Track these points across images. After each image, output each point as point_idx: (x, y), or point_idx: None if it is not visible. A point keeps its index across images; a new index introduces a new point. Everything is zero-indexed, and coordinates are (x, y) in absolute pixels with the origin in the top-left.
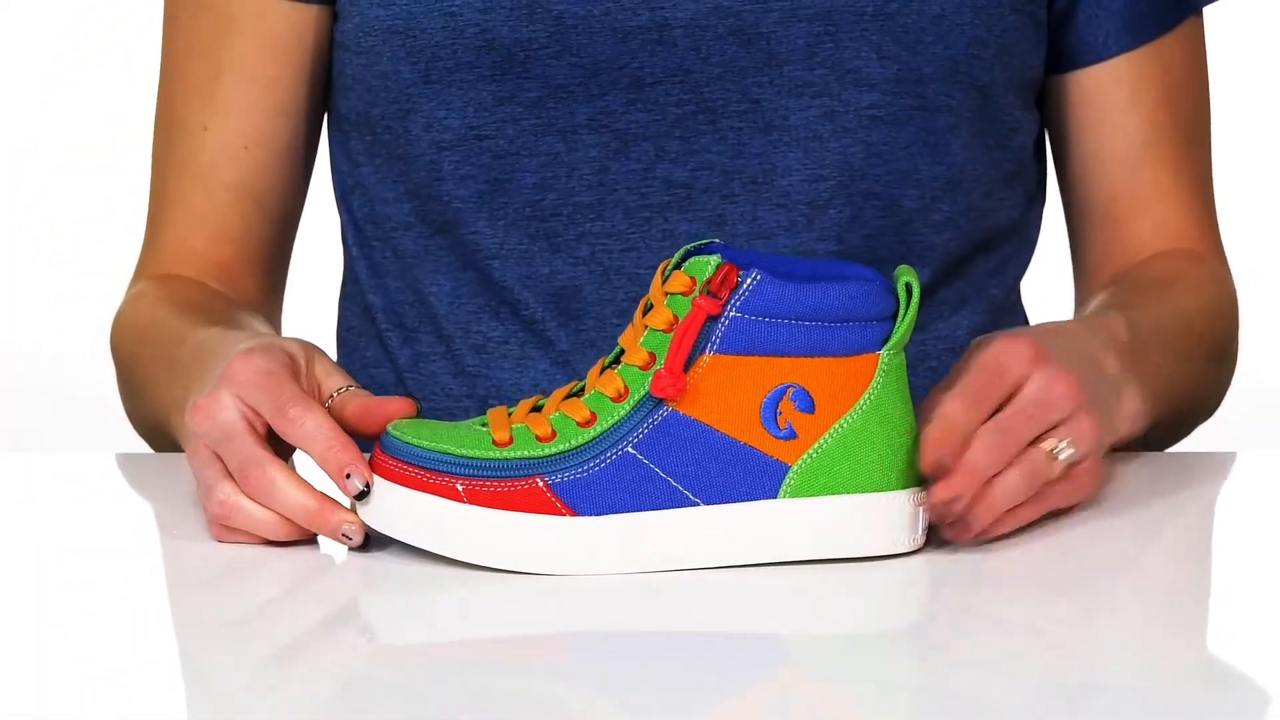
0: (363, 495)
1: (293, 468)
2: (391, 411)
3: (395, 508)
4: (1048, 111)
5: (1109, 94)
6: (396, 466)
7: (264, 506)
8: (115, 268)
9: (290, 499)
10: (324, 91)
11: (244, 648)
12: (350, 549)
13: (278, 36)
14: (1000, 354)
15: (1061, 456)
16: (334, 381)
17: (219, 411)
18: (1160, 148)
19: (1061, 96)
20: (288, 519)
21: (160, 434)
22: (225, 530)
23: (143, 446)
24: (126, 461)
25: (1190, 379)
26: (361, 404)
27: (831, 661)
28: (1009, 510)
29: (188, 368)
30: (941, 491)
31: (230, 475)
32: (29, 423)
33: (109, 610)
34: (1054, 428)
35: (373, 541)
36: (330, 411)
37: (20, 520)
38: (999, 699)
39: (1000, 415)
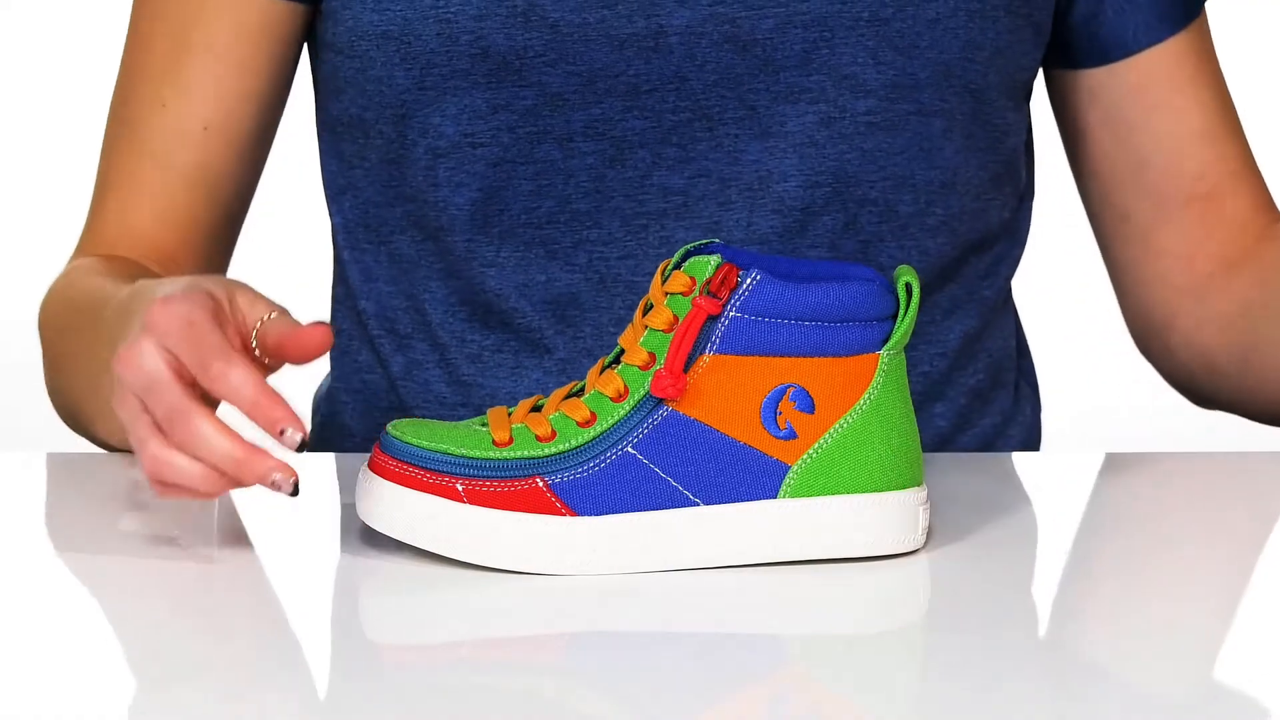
0: (302, 448)
1: (218, 417)
2: (307, 339)
3: (395, 508)
4: (1075, 108)
5: (1168, 75)
6: (396, 466)
7: (193, 458)
8: (50, 260)
9: (217, 448)
10: (288, 84)
11: (241, 648)
12: (289, 495)
13: (252, 23)
14: None
15: None
16: (258, 310)
17: (143, 359)
18: (1230, 119)
19: (1099, 90)
20: (218, 470)
21: (83, 412)
22: (164, 487)
23: (79, 446)
24: (55, 461)
25: None
26: (279, 334)
27: (831, 661)
28: None
29: (112, 325)
30: None
31: (160, 428)
32: None
33: (99, 611)
34: None
35: (371, 541)
36: (257, 345)
37: None
38: (999, 699)
39: None
